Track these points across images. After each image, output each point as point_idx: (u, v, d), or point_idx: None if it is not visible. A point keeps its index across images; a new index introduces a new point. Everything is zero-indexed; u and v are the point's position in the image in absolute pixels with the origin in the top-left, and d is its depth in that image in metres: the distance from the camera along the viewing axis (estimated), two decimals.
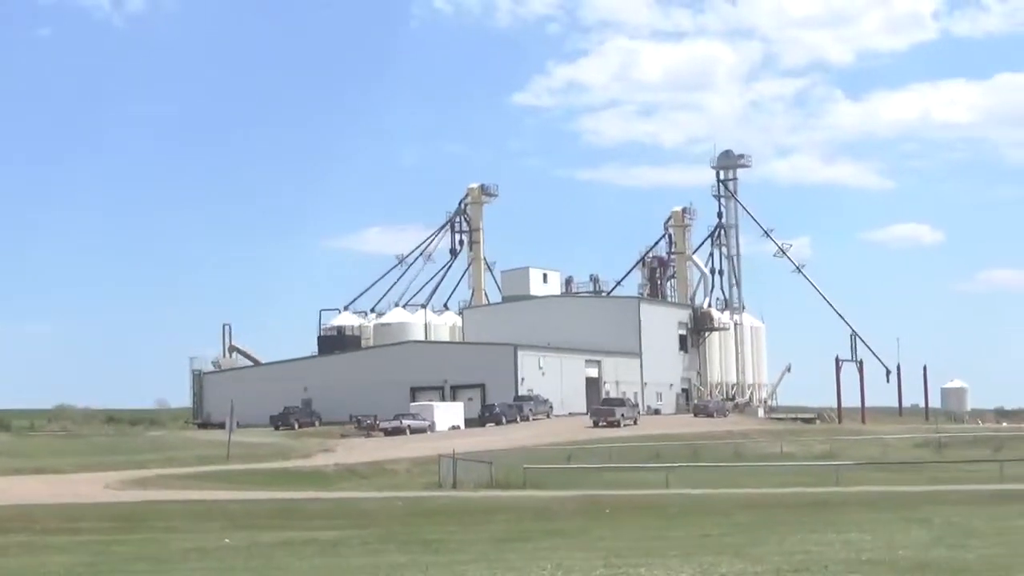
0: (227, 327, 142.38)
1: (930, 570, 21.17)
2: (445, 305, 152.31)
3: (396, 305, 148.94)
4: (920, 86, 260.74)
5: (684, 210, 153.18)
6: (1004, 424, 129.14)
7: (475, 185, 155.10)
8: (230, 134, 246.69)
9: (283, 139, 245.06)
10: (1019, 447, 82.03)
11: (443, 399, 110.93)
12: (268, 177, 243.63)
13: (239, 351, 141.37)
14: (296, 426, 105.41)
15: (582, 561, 23.36)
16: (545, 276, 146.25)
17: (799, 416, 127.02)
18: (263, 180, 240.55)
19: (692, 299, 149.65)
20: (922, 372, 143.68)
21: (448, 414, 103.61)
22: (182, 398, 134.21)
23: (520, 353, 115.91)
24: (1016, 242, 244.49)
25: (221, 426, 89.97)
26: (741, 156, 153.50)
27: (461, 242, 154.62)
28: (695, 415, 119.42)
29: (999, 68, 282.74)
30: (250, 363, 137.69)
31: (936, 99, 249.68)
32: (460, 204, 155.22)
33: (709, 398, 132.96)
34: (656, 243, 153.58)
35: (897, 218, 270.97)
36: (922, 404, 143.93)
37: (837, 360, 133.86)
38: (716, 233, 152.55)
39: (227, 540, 30.17)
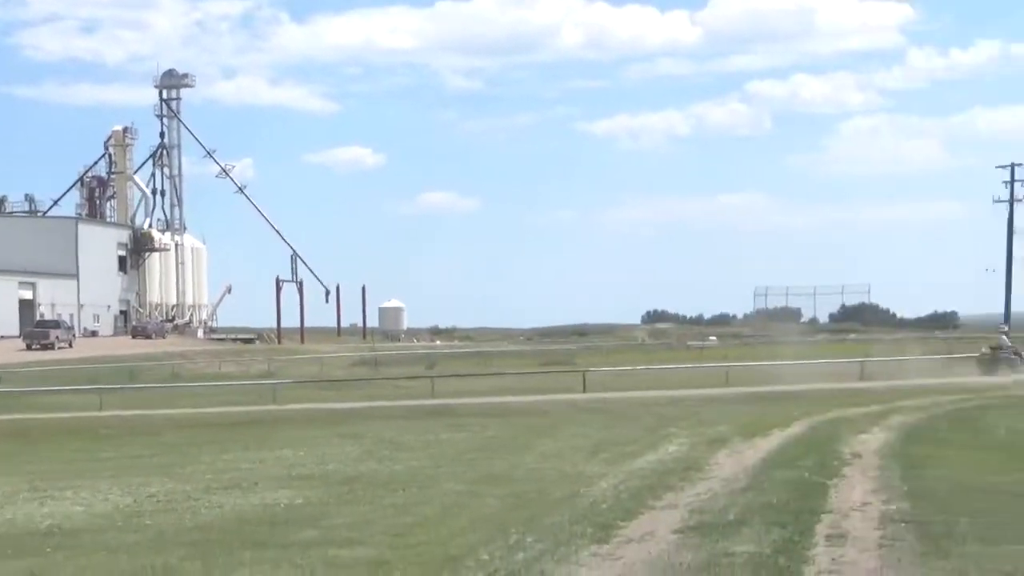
0: None
1: (358, 483, 21.68)
2: None
3: None
4: (366, 11, 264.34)
5: (125, 129, 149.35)
6: (438, 342, 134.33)
7: None
8: None
9: None
10: (450, 364, 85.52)
11: None
12: None
13: None
14: None
15: (5, 486, 22.78)
16: None
17: (239, 337, 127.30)
18: None
19: (132, 220, 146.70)
20: (361, 292, 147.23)
21: None
22: None
23: None
24: (452, 165, 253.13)
25: None
26: (185, 76, 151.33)
27: None
28: (133, 337, 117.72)
29: None
30: None
31: (381, 24, 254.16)
32: None
33: (148, 320, 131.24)
34: (96, 163, 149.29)
35: (340, 141, 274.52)
36: (361, 324, 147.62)
37: (278, 280, 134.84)
38: (158, 153, 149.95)
39: None
